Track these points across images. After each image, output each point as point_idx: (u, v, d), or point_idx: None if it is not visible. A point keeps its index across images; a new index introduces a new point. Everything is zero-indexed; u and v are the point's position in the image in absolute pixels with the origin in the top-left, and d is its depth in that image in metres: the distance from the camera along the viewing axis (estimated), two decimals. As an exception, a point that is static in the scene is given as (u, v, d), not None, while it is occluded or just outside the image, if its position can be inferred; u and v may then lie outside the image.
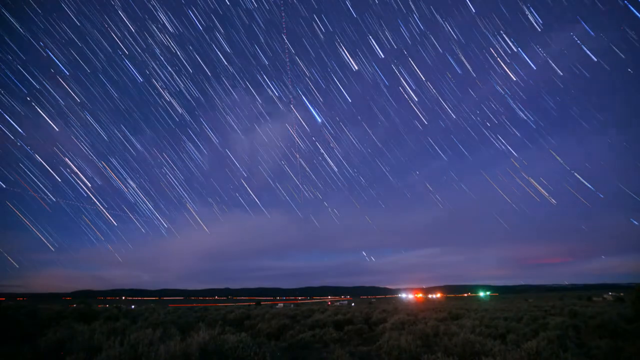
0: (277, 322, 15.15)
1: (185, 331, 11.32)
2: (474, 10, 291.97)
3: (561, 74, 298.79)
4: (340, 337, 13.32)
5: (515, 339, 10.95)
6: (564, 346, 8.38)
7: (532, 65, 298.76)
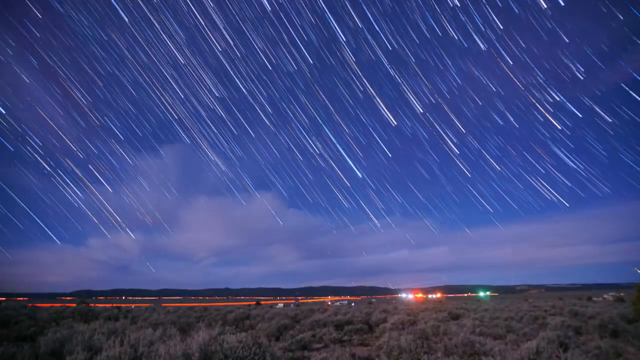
0: (277, 322, 15.15)
1: (185, 331, 11.32)
2: (511, 63, 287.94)
3: (609, 120, 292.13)
4: (341, 337, 13.32)
5: (515, 338, 10.95)
6: (564, 346, 8.38)
7: (578, 113, 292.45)
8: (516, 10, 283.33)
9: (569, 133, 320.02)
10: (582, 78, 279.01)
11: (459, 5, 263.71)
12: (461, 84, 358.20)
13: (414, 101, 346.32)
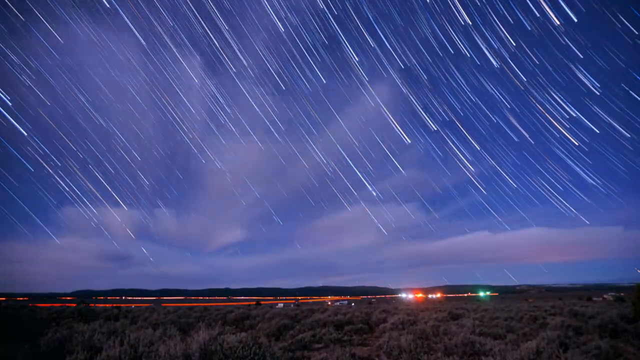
0: (277, 322, 15.15)
1: (185, 331, 11.32)
2: (524, 79, 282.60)
3: (627, 135, 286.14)
4: (340, 337, 13.32)
5: (515, 338, 10.95)
6: (564, 346, 8.37)
7: (595, 129, 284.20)
8: (528, 27, 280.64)
9: (586, 149, 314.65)
10: (597, 93, 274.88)
11: (470, 22, 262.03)
12: (475, 100, 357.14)
13: (427, 119, 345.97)
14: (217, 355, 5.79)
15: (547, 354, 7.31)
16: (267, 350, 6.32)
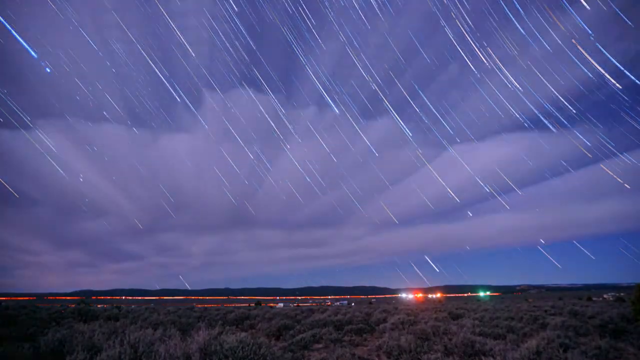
0: (277, 322, 15.15)
1: (185, 331, 11.31)
2: (589, 145, 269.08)
3: None
4: (340, 337, 13.31)
5: (516, 338, 10.95)
6: (564, 346, 8.37)
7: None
8: (586, 92, 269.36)
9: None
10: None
11: (520, 89, 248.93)
12: (532, 164, 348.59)
13: (484, 187, 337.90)
14: (218, 355, 5.78)
15: (547, 354, 7.31)
16: (267, 350, 6.32)
